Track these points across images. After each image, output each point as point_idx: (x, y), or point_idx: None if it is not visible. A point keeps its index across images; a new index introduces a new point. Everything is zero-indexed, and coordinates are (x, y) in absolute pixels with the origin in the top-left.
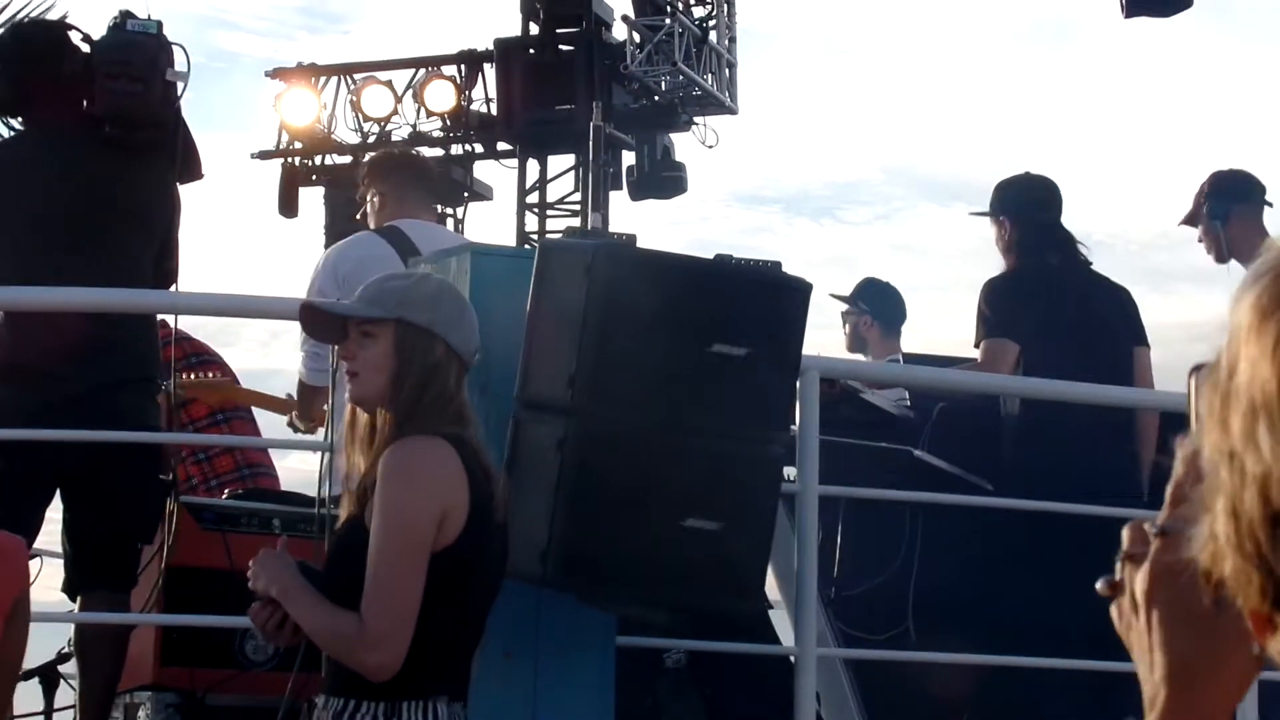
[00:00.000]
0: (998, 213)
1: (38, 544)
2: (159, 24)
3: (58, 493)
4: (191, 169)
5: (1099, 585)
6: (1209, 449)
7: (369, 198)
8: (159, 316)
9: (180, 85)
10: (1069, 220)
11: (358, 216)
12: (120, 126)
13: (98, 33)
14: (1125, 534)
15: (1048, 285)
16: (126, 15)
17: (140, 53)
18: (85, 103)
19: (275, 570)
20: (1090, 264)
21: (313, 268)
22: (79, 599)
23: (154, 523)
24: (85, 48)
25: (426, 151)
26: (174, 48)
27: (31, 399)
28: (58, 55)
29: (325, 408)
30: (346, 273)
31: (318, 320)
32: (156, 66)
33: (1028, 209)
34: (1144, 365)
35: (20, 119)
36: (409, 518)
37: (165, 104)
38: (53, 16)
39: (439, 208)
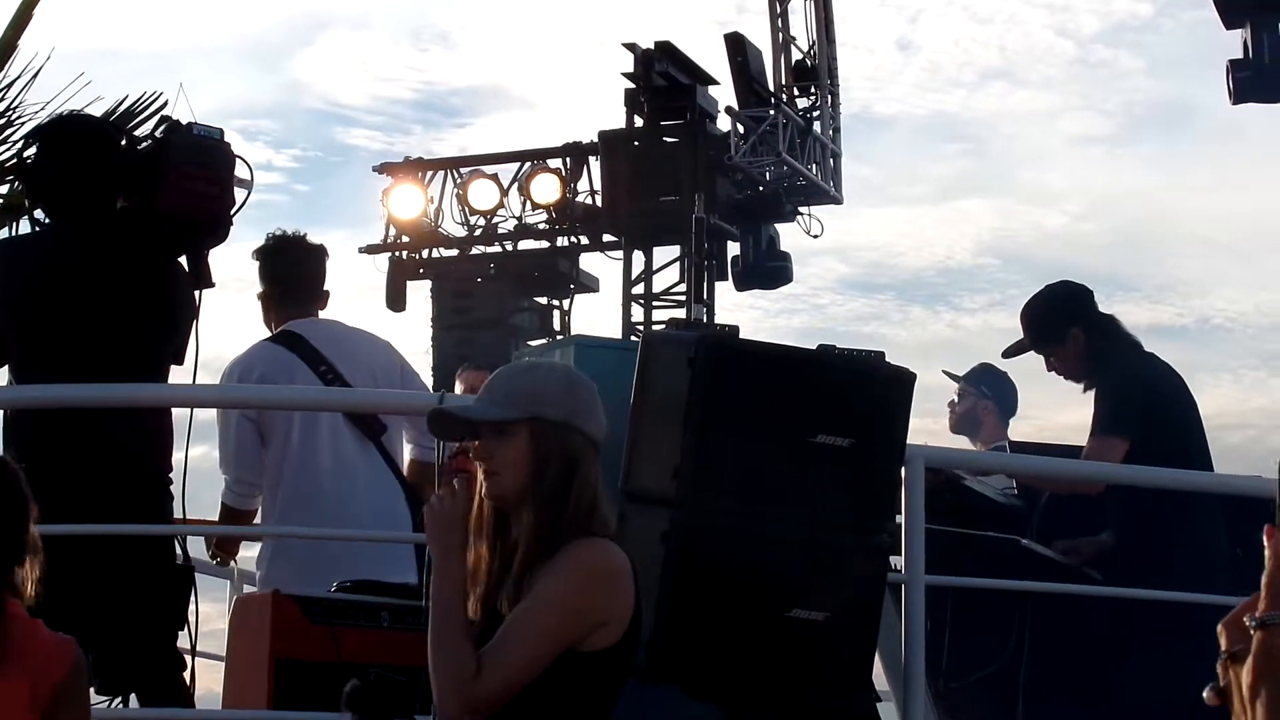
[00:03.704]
0: (1064, 329)
1: None
2: (221, 131)
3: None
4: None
5: (1206, 695)
6: None
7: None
8: None
9: (244, 194)
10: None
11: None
12: (182, 227)
13: (128, 132)
14: (1221, 634)
15: (1151, 379)
16: (190, 125)
17: (221, 157)
18: (154, 198)
19: (446, 528)
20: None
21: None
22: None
23: (182, 609)
24: (123, 143)
25: (532, 244)
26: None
27: (51, 492)
28: (99, 150)
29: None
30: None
31: (445, 423)
32: (233, 173)
33: (1089, 310)
34: None
35: (55, 210)
36: (568, 612)
37: (230, 210)
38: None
39: (545, 299)
